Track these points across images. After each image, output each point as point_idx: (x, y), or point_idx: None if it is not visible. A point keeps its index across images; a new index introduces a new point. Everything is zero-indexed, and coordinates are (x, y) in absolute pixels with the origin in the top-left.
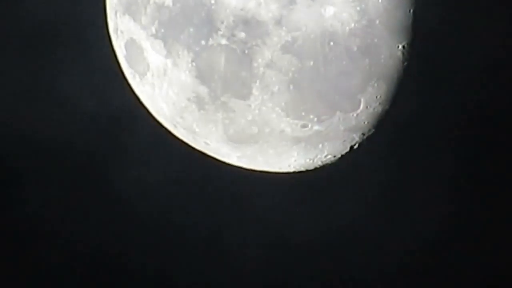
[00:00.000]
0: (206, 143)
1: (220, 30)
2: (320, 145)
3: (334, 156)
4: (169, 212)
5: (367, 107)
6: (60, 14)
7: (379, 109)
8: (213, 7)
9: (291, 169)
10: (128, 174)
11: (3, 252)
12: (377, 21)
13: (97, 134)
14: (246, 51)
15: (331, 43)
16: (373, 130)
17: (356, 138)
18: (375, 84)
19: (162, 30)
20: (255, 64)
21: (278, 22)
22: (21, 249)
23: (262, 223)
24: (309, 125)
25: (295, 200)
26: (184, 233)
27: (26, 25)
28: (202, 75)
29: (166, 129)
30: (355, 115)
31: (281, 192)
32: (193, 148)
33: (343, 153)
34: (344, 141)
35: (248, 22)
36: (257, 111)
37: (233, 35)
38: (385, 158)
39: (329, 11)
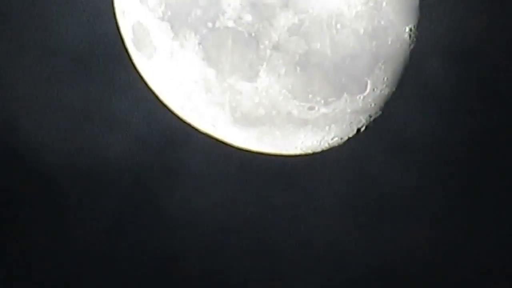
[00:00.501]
0: (213, 125)
1: (227, 13)
2: (327, 128)
3: (341, 139)
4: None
5: (374, 89)
6: (113, 34)
7: (386, 91)
8: None
9: (298, 152)
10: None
11: (52, 275)
12: (384, 3)
13: (147, 156)
14: (253, 34)
15: (338, 26)
16: (380, 112)
17: (363, 120)
18: (382, 67)
19: (169, 13)
20: (262, 47)
21: (285, 5)
22: (69, 272)
23: (270, 205)
24: (316, 108)
25: (301, 182)
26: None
27: (75, 44)
28: (209, 58)
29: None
30: (362, 97)
31: (288, 174)
32: (199, 130)
33: (350, 135)
34: (351, 123)
35: (255, 5)
36: (264, 94)
37: (240, 18)
38: (391, 141)
39: None
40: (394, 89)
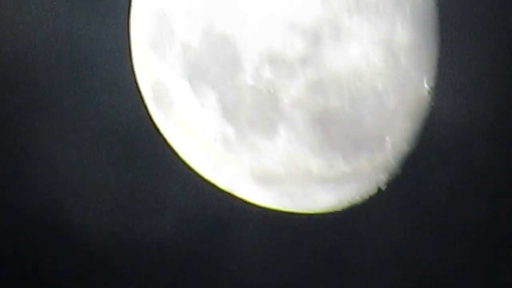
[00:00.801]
0: (233, 183)
1: (246, 69)
2: (347, 186)
3: (361, 197)
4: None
5: (393, 147)
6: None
7: (406, 149)
8: (239, 46)
9: (318, 210)
10: None
11: None
12: (402, 59)
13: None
14: (272, 91)
15: (357, 82)
16: (400, 170)
17: (383, 178)
18: (402, 123)
19: (189, 70)
20: (281, 104)
21: (304, 61)
22: None
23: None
24: (336, 165)
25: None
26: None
27: (109, 123)
28: (228, 115)
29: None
30: (381, 155)
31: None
32: (219, 188)
33: (370, 193)
34: (371, 181)
35: (273, 61)
36: (283, 151)
37: (259, 75)
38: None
39: (355, 49)
40: (414, 146)
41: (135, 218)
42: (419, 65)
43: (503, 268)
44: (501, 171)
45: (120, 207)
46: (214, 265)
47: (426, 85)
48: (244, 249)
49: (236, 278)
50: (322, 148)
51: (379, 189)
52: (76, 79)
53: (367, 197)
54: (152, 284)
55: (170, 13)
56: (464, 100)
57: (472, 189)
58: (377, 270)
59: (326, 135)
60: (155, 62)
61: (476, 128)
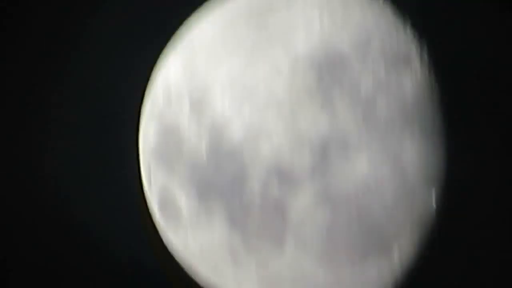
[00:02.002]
0: None
1: (253, 183)
2: None
3: None
4: None
5: (400, 255)
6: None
7: (413, 256)
8: (245, 160)
9: None
10: None
11: None
12: (410, 175)
13: None
14: (279, 203)
15: (365, 196)
16: (407, 277)
17: (390, 286)
18: (409, 237)
19: (196, 184)
20: (289, 217)
21: (311, 175)
22: None
23: None
24: (342, 275)
25: None
26: None
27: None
28: (236, 227)
29: None
30: (388, 263)
31: None
32: None
33: None
34: None
35: (281, 175)
36: (291, 263)
37: (266, 188)
38: None
39: (362, 164)
40: (421, 253)
41: None
42: (426, 181)
43: None
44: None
45: None
46: None
47: (434, 202)
48: None
49: None
50: (329, 259)
51: None
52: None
53: None
54: None
55: (178, 127)
56: (473, 211)
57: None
58: None
59: (334, 248)
60: (162, 175)
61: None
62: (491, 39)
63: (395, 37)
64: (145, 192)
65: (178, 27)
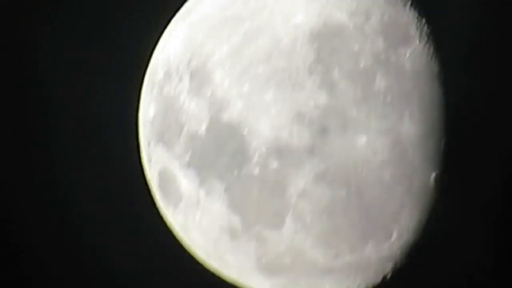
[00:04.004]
0: (239, 273)
1: (253, 160)
2: (352, 276)
3: (366, 287)
4: None
5: (399, 237)
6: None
7: (412, 239)
8: (245, 136)
9: None
10: None
11: None
12: (410, 151)
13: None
14: (279, 181)
15: (364, 173)
16: (406, 260)
17: (388, 268)
18: (408, 214)
19: (195, 160)
20: (288, 194)
21: (311, 152)
22: None
23: None
24: (342, 255)
25: None
26: None
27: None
28: (235, 205)
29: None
30: (387, 245)
31: None
32: (225, 280)
33: (376, 283)
34: (376, 271)
35: (280, 152)
36: (290, 241)
37: (266, 165)
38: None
39: (362, 140)
40: (420, 237)
41: None
42: (426, 156)
43: None
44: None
45: None
46: None
47: (433, 176)
48: None
49: None
50: (328, 238)
51: (385, 279)
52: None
53: (372, 287)
54: None
55: (178, 103)
56: (471, 190)
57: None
58: None
59: (333, 225)
60: (162, 150)
61: (483, 218)
62: (492, 13)
63: (395, 10)
64: (145, 172)
65: (179, 7)
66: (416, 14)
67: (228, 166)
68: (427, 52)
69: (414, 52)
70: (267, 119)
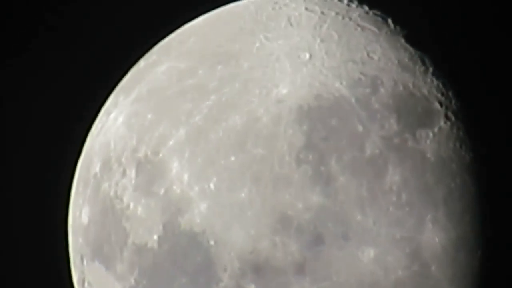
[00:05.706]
0: None
1: (222, 281)
2: None
3: None
4: None
5: None
6: None
7: None
8: (212, 249)
9: None
10: None
11: None
12: (433, 267)
13: None
14: None
15: None
16: None
17: None
18: None
19: (144, 282)
20: None
21: (301, 269)
22: None
23: None
24: None
25: None
26: None
27: None
28: None
29: None
30: None
31: None
32: None
33: None
34: None
35: (259, 269)
36: None
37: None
38: None
39: (369, 253)
40: None
41: None
42: (454, 275)
43: None
44: None
45: None
46: None
47: None
48: None
49: None
50: None
51: None
52: None
53: None
54: None
55: (120, 205)
56: None
57: None
58: None
59: None
60: (100, 270)
61: None
62: None
63: (412, 77)
64: None
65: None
66: (441, 84)
67: None
68: (456, 135)
69: (438, 135)
70: (240, 226)
